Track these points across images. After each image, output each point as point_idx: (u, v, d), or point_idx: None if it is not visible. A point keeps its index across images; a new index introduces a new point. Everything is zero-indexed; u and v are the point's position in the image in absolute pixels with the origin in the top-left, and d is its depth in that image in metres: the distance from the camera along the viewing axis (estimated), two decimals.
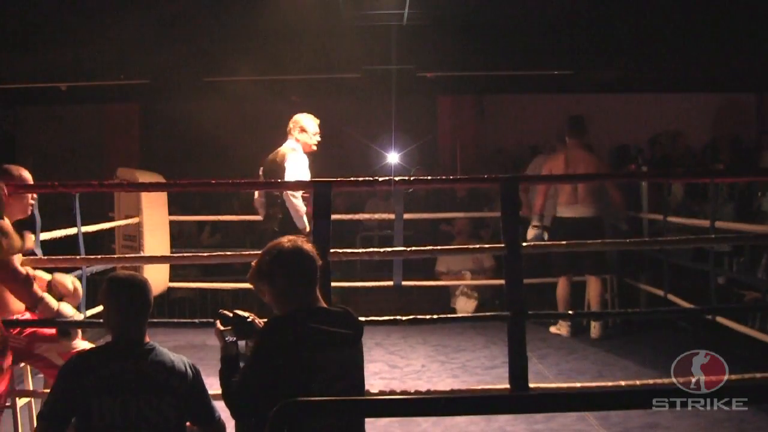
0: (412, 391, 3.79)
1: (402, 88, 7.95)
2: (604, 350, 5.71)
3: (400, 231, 3.88)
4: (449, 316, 4.33)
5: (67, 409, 2.44)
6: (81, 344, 3.37)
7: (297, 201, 4.98)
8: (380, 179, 3.94)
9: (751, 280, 5.78)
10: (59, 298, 3.41)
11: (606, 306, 6.43)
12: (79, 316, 3.49)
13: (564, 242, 4.35)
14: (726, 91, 9.68)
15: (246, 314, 2.68)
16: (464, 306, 7.00)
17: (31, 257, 3.44)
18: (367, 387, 2.59)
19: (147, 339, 2.57)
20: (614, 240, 5.91)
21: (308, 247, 2.57)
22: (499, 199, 3.73)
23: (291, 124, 5.32)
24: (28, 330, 3.34)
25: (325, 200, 3.60)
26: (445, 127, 9.85)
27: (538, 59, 7.87)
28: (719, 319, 5.05)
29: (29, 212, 3.55)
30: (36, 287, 3.34)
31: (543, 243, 5.78)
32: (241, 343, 2.63)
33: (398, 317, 3.58)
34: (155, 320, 4.31)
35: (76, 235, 4.06)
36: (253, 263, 2.62)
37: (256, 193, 5.39)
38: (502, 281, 3.91)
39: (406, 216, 4.99)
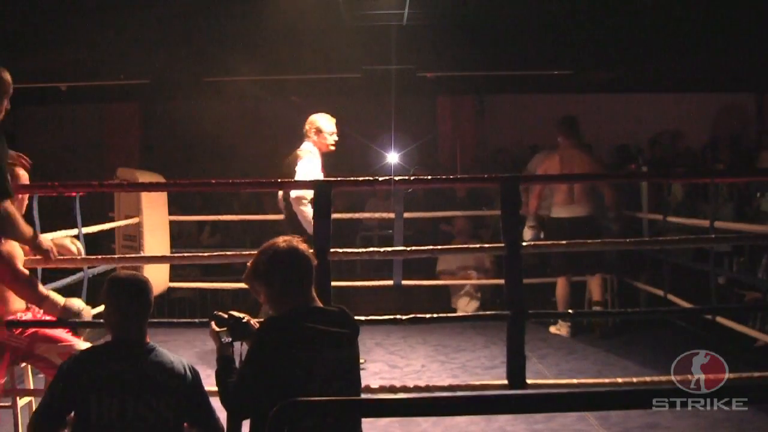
0: (412, 390, 3.79)
1: (402, 88, 7.96)
2: (604, 350, 5.71)
3: (400, 231, 3.89)
4: (449, 315, 4.34)
5: (62, 408, 2.44)
6: (81, 344, 3.37)
7: (305, 208, 4.90)
8: (380, 179, 3.93)
9: (751, 280, 5.78)
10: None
11: (607, 303, 6.44)
12: (88, 311, 3.45)
13: (564, 242, 4.35)
14: (726, 91, 9.68)
15: (241, 315, 2.69)
16: (466, 307, 7.00)
17: (32, 257, 3.43)
18: (367, 387, 2.60)
19: (147, 339, 2.58)
20: (614, 240, 5.92)
21: (303, 247, 2.57)
22: (499, 199, 3.74)
23: (307, 125, 5.24)
24: (30, 330, 3.34)
25: (326, 200, 3.60)
26: (445, 127, 9.86)
27: (537, 59, 7.88)
28: (719, 319, 5.05)
29: (23, 212, 3.55)
30: (40, 286, 3.33)
31: (543, 243, 5.79)
32: (236, 344, 2.63)
33: (398, 316, 3.58)
34: (155, 320, 4.31)
35: (76, 236, 4.06)
36: (248, 263, 2.63)
37: (280, 193, 5.33)
38: (503, 281, 3.91)
39: (406, 216, 4.99)
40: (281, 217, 5.36)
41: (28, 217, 3.57)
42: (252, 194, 8.77)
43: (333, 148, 5.27)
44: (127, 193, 6.32)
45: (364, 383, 2.75)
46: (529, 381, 3.51)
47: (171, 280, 6.62)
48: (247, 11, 6.87)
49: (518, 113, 9.80)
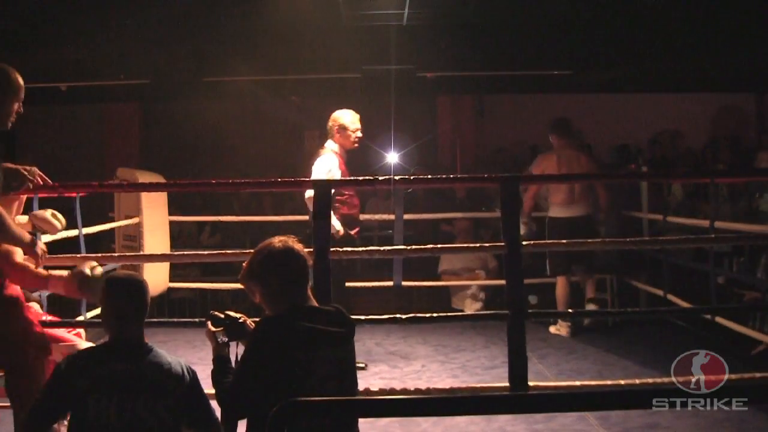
0: (412, 390, 3.79)
1: (402, 88, 7.95)
2: (604, 350, 5.71)
3: (400, 230, 3.89)
4: (448, 315, 4.34)
5: (56, 408, 2.44)
6: (83, 344, 3.36)
7: None
8: (380, 179, 3.93)
9: (751, 280, 5.78)
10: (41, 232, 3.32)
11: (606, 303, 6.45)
12: (98, 271, 3.36)
13: (564, 241, 4.35)
14: (725, 91, 9.67)
15: (237, 315, 2.69)
16: (468, 308, 7.00)
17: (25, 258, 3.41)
18: (367, 387, 2.60)
19: (145, 340, 2.57)
20: (615, 240, 5.92)
21: (299, 246, 2.58)
22: (499, 199, 3.74)
23: (330, 123, 5.22)
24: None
25: (325, 200, 3.60)
26: (445, 127, 9.84)
27: (537, 59, 7.87)
28: (719, 319, 5.05)
29: (20, 212, 3.54)
30: (38, 269, 3.27)
31: (543, 243, 5.79)
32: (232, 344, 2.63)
33: (398, 315, 3.58)
34: (155, 320, 4.32)
35: (77, 237, 4.05)
36: (244, 264, 2.63)
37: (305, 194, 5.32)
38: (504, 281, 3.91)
39: (406, 216, 4.99)
40: (281, 217, 5.37)
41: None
42: (252, 194, 8.77)
43: (357, 144, 5.26)
44: (127, 193, 6.32)
45: (363, 383, 2.75)
46: (530, 383, 3.51)
47: (171, 281, 6.62)
48: (247, 11, 6.87)
49: (518, 113, 9.79)
